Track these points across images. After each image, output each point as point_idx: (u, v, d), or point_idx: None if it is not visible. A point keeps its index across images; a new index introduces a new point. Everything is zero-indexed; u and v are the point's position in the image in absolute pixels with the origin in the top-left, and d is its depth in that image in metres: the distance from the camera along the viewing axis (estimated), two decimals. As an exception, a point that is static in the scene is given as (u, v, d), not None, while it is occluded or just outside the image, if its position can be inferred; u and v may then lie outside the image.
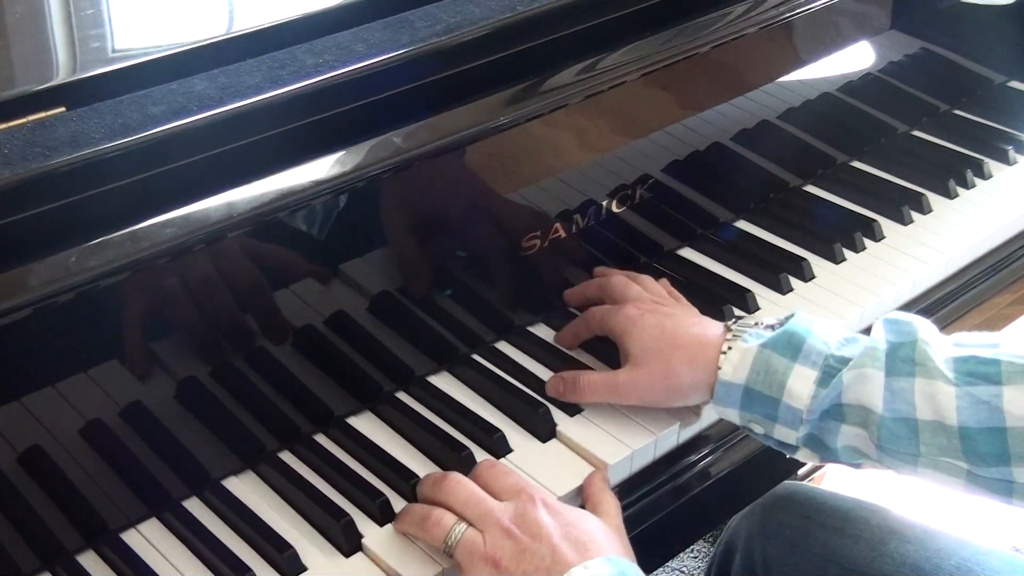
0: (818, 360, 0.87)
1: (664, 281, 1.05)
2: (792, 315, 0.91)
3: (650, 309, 0.97)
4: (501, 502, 0.83)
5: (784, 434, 0.89)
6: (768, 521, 1.09)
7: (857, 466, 0.89)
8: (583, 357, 1.02)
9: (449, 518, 0.83)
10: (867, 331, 0.89)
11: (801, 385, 0.86)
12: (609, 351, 1.00)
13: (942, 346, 0.85)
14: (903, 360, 0.84)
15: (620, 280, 1.03)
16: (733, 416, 0.91)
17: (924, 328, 0.86)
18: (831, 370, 0.86)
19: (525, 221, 1.01)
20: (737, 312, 1.07)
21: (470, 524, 0.82)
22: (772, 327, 0.90)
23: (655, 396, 0.94)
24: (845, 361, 0.86)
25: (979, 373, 0.82)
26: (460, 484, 0.85)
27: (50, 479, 0.81)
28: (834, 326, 0.90)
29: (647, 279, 1.04)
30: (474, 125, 0.92)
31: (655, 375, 0.93)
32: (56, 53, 0.87)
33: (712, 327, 0.93)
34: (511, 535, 0.80)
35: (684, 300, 1.03)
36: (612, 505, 0.88)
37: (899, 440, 0.83)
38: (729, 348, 0.90)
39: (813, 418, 0.86)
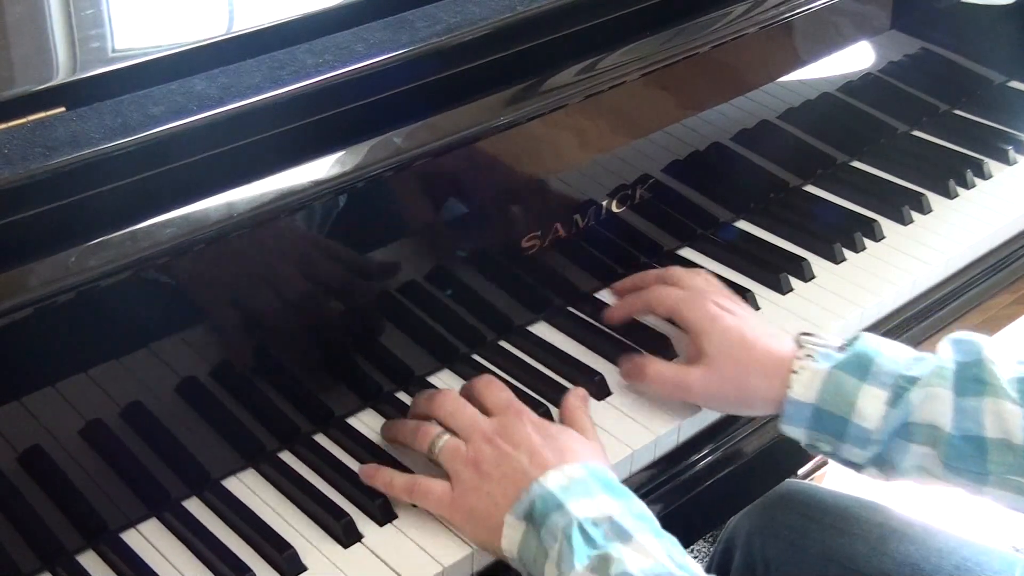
0: (888, 380, 0.87)
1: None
2: (859, 336, 0.91)
3: (729, 310, 0.96)
4: (490, 416, 0.87)
5: (852, 453, 0.89)
6: (768, 520, 1.09)
7: (922, 483, 0.90)
8: (583, 357, 1.02)
9: (435, 428, 0.88)
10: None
11: (871, 406, 0.87)
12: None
13: (1006, 365, 0.86)
14: (972, 379, 0.85)
15: (683, 271, 1.03)
16: (799, 435, 0.91)
17: (988, 347, 0.87)
18: (900, 390, 0.87)
19: (525, 221, 1.01)
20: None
21: (455, 434, 0.86)
22: (842, 348, 0.90)
23: (724, 402, 0.95)
24: (914, 381, 0.87)
25: None
26: (449, 397, 0.89)
27: (50, 479, 0.81)
28: (902, 347, 0.91)
29: (705, 273, 1.04)
30: (474, 125, 0.92)
31: (728, 381, 0.93)
32: (56, 53, 0.87)
33: (785, 342, 0.93)
34: (492, 442, 0.84)
35: (744, 303, 1.02)
36: (589, 424, 0.91)
37: (966, 459, 0.85)
38: (801, 368, 0.90)
39: (883, 438, 0.87)
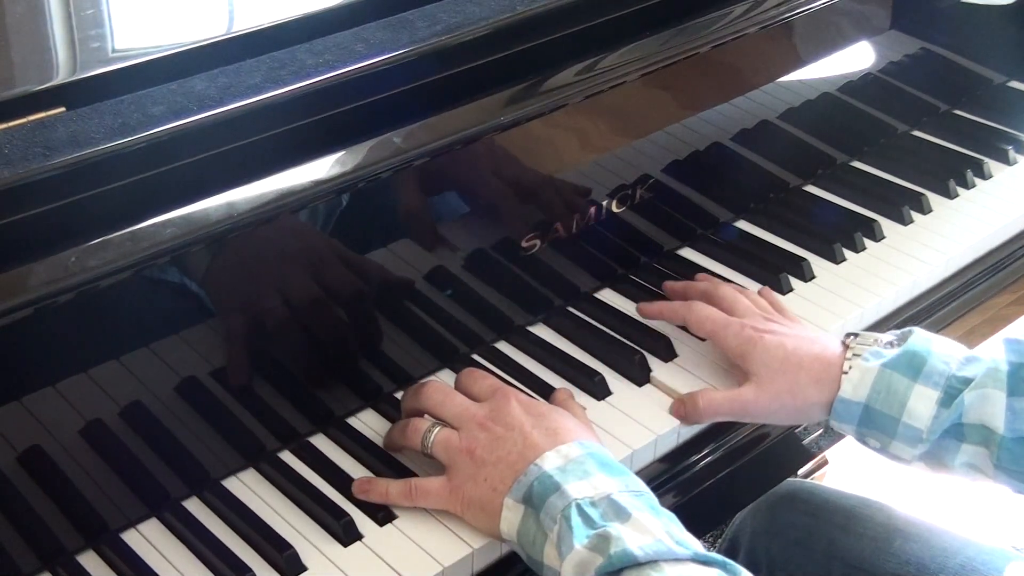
0: (939, 380, 0.88)
1: (766, 289, 1.06)
2: (912, 331, 0.91)
3: (768, 329, 0.96)
4: (479, 402, 0.87)
5: (901, 450, 0.90)
6: (772, 519, 1.09)
7: (971, 479, 0.90)
8: (583, 358, 1.02)
9: (425, 422, 0.88)
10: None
11: (922, 406, 0.87)
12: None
13: None
14: None
15: (729, 292, 1.02)
16: (849, 431, 0.92)
17: None
18: (953, 391, 0.87)
19: (525, 221, 1.01)
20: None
21: (446, 424, 0.86)
22: (892, 343, 0.91)
23: (782, 415, 0.95)
24: (967, 381, 0.87)
25: None
26: (436, 387, 0.90)
27: (50, 479, 0.81)
28: (953, 344, 0.91)
29: (751, 293, 1.04)
30: (474, 125, 0.92)
31: (782, 395, 0.93)
32: (56, 53, 0.87)
33: (831, 344, 0.94)
34: (485, 427, 0.84)
35: (788, 310, 1.03)
36: (579, 409, 0.93)
37: (1019, 460, 0.85)
38: (850, 368, 0.90)
39: (933, 437, 0.87)
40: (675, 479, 0.96)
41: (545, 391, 0.98)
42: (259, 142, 0.82)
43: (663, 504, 0.91)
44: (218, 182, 0.81)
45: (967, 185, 1.28)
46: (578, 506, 0.76)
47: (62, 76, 0.83)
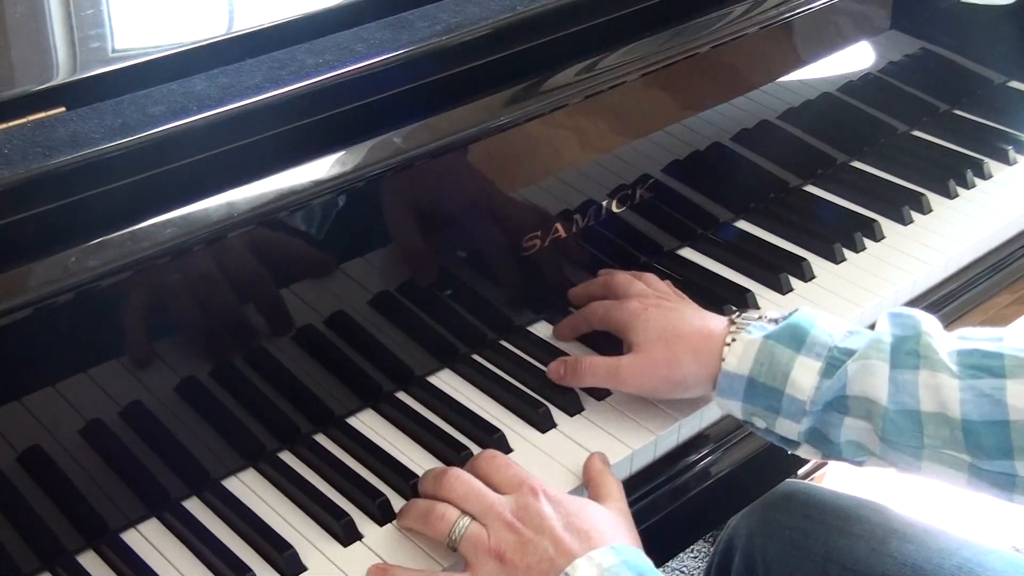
0: (822, 351, 0.87)
1: (667, 283, 1.06)
2: (796, 310, 0.91)
3: (654, 303, 0.97)
4: (502, 495, 0.83)
5: (786, 428, 0.89)
6: (768, 520, 1.09)
7: (859, 463, 0.89)
8: (580, 353, 1.02)
9: (453, 512, 0.83)
10: (871, 327, 0.89)
11: (805, 376, 0.87)
12: (607, 346, 1.00)
13: (946, 340, 0.85)
14: (907, 353, 0.84)
15: (624, 277, 1.04)
16: (736, 409, 0.91)
17: (927, 322, 0.86)
18: (835, 361, 0.87)
19: (525, 221, 1.01)
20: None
21: (473, 518, 0.82)
22: (775, 320, 0.91)
23: (657, 384, 0.95)
24: (850, 353, 0.86)
25: (983, 366, 0.82)
26: (461, 479, 0.85)
27: (50, 479, 0.81)
28: (838, 320, 0.91)
29: (651, 277, 1.04)
30: (474, 125, 0.92)
31: (658, 363, 0.93)
32: (56, 53, 0.87)
33: (716, 320, 0.94)
34: (513, 528, 0.80)
35: (687, 299, 1.03)
36: (615, 487, 0.88)
37: (903, 433, 0.84)
38: (733, 340, 0.90)
39: (816, 410, 0.87)
40: (674, 479, 0.96)
41: (546, 390, 0.98)
42: (259, 142, 0.82)
43: (662, 504, 0.92)
44: (218, 182, 0.81)
45: (967, 185, 1.28)
46: None
47: (62, 76, 0.83)
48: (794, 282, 1.13)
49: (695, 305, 1.01)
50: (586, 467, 0.90)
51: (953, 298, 1.17)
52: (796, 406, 0.87)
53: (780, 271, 1.12)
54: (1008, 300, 1.21)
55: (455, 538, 0.82)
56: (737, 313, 0.94)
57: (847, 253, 1.17)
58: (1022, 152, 1.34)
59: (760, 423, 0.90)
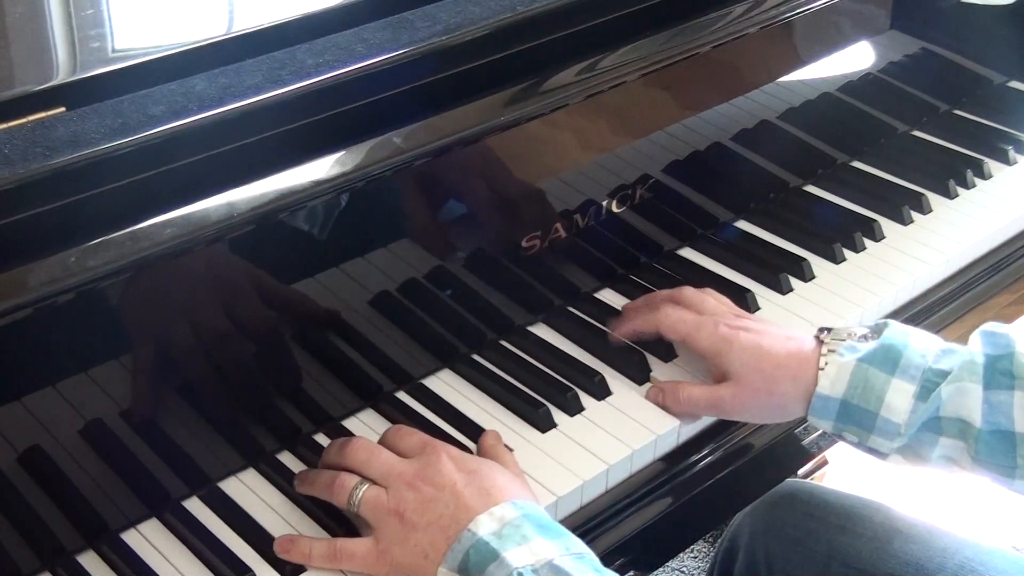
0: (916, 374, 0.87)
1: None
2: (887, 324, 0.91)
3: (742, 327, 0.96)
4: (407, 459, 0.84)
5: (879, 444, 0.89)
6: (771, 519, 1.09)
7: (948, 472, 0.90)
8: (583, 357, 1.02)
9: (352, 479, 0.83)
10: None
11: (900, 399, 0.87)
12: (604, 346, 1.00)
13: None
14: (1002, 373, 0.85)
15: (694, 293, 1.01)
16: (826, 426, 0.91)
17: (1021, 340, 0.86)
18: (930, 384, 0.87)
19: (525, 221, 1.01)
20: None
21: (374, 483, 0.82)
22: (866, 337, 0.91)
23: (758, 413, 0.95)
24: (943, 375, 0.87)
25: None
26: (363, 446, 0.85)
27: (50, 479, 0.81)
28: (930, 337, 0.91)
29: (715, 293, 1.03)
30: (474, 125, 0.92)
31: (759, 393, 0.93)
32: (56, 53, 0.87)
33: (805, 341, 0.94)
34: (414, 487, 0.81)
35: (760, 318, 1.02)
36: (509, 457, 0.89)
37: (996, 453, 0.85)
38: (826, 364, 0.90)
39: (911, 431, 0.87)
40: (675, 479, 0.96)
41: (546, 389, 0.98)
42: (259, 142, 0.82)
43: (662, 504, 0.92)
44: (218, 182, 0.81)
45: (967, 185, 1.28)
46: (520, 575, 0.74)
47: (62, 76, 0.83)
48: (794, 282, 1.13)
49: (775, 324, 1.00)
50: (481, 442, 0.91)
51: (953, 298, 1.17)
52: (891, 427, 0.88)
53: (780, 271, 1.12)
54: (1008, 300, 1.21)
55: (355, 503, 0.82)
56: (825, 331, 0.93)
57: (847, 253, 1.17)
58: (1022, 152, 1.34)
59: (852, 438, 0.91)
